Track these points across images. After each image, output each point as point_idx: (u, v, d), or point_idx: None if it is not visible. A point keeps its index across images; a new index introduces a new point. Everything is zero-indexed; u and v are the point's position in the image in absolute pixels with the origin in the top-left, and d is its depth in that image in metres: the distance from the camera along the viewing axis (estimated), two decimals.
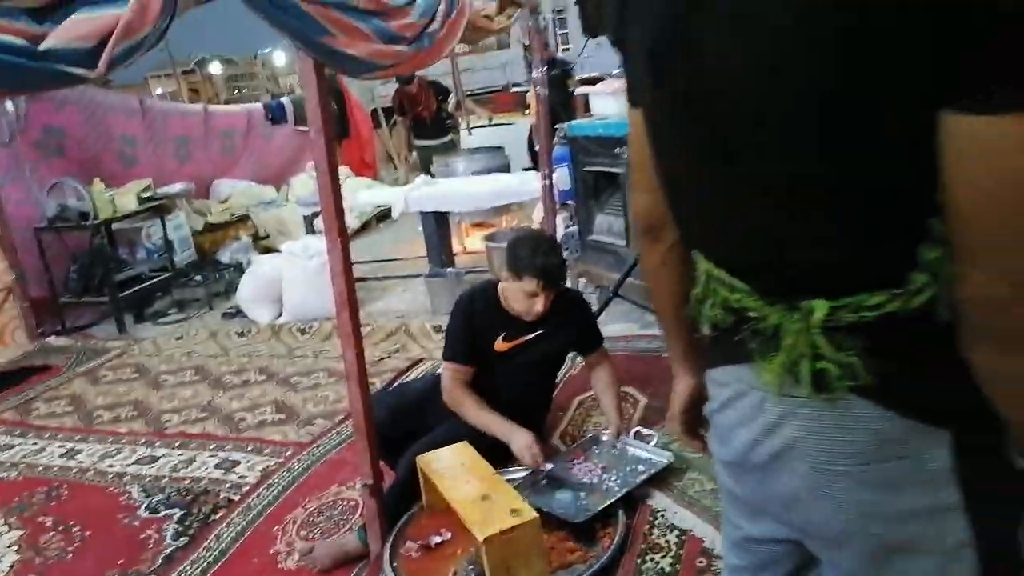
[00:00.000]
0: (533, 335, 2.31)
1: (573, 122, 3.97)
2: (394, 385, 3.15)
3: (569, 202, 4.32)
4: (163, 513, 2.54)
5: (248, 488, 2.62)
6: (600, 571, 1.83)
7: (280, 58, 10.23)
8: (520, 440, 2.13)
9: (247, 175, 6.98)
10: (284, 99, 7.72)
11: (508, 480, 1.99)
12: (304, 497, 2.51)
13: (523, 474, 2.15)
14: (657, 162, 0.84)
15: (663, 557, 1.91)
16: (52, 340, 4.70)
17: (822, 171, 0.65)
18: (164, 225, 5.18)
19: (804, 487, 0.75)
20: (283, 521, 2.39)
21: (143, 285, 4.97)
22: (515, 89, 7.50)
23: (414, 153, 7.22)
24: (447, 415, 2.28)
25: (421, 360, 3.60)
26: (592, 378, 2.48)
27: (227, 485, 2.67)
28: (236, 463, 2.83)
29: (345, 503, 2.45)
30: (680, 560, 1.90)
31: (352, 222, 6.54)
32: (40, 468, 3.01)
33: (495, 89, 9.10)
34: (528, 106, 6.67)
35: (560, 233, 4.24)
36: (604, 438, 2.37)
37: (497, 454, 2.14)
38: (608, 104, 3.61)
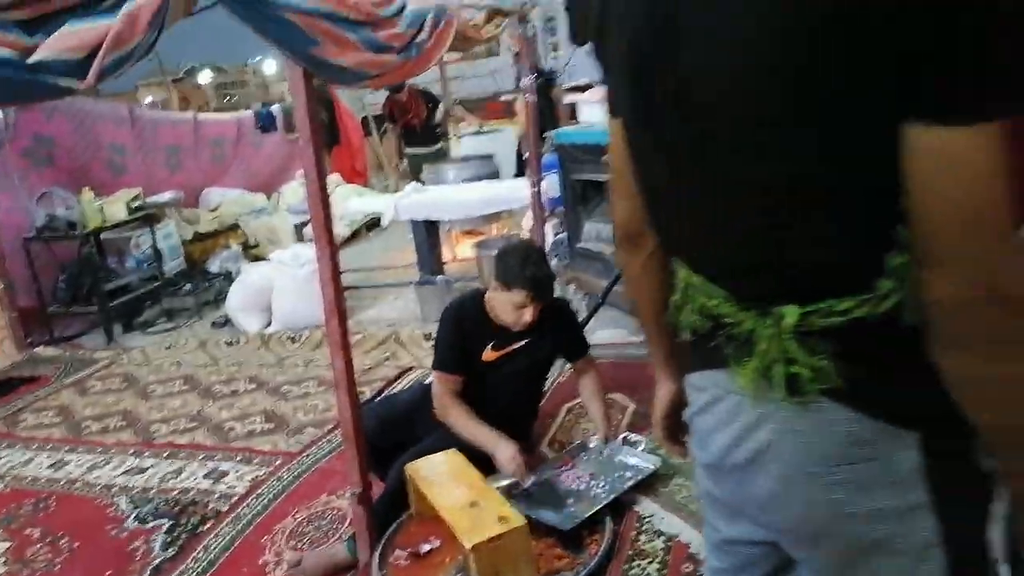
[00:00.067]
0: (521, 344, 2.32)
1: (561, 130, 4.00)
2: (383, 395, 3.15)
3: (558, 209, 4.35)
4: (151, 524, 2.53)
5: (237, 498, 2.62)
6: None
7: (271, 66, 10.25)
8: (504, 452, 2.13)
9: (237, 183, 6.98)
10: (274, 107, 7.73)
11: (497, 488, 2.00)
12: (293, 507, 2.51)
13: (511, 481, 2.15)
14: (636, 170, 0.86)
15: (650, 563, 1.92)
16: (40, 350, 4.67)
17: (792, 182, 0.67)
18: (154, 234, 5.17)
19: (779, 488, 0.77)
20: (272, 531, 2.39)
21: (132, 295, 4.96)
22: (504, 98, 7.53)
23: (404, 161, 7.24)
24: (436, 425, 2.29)
25: (411, 368, 3.61)
26: (579, 385, 2.50)
27: (216, 495, 2.66)
28: (225, 473, 2.82)
29: (334, 512, 2.45)
30: (667, 566, 1.91)
31: (342, 230, 6.55)
32: (27, 479, 2.99)
33: (485, 97, 9.14)
34: (515, 114, 6.70)
35: (550, 240, 4.27)
36: (592, 444, 2.38)
37: (487, 462, 2.15)
38: (595, 112, 3.65)
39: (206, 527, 2.46)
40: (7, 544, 2.52)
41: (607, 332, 3.47)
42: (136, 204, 5.11)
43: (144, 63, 1.67)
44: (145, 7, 1.38)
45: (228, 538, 2.38)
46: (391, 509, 2.12)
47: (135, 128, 5.98)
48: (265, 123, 7.32)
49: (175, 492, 2.72)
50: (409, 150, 7.00)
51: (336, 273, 1.94)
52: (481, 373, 2.31)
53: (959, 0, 0.55)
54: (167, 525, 2.50)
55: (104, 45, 1.29)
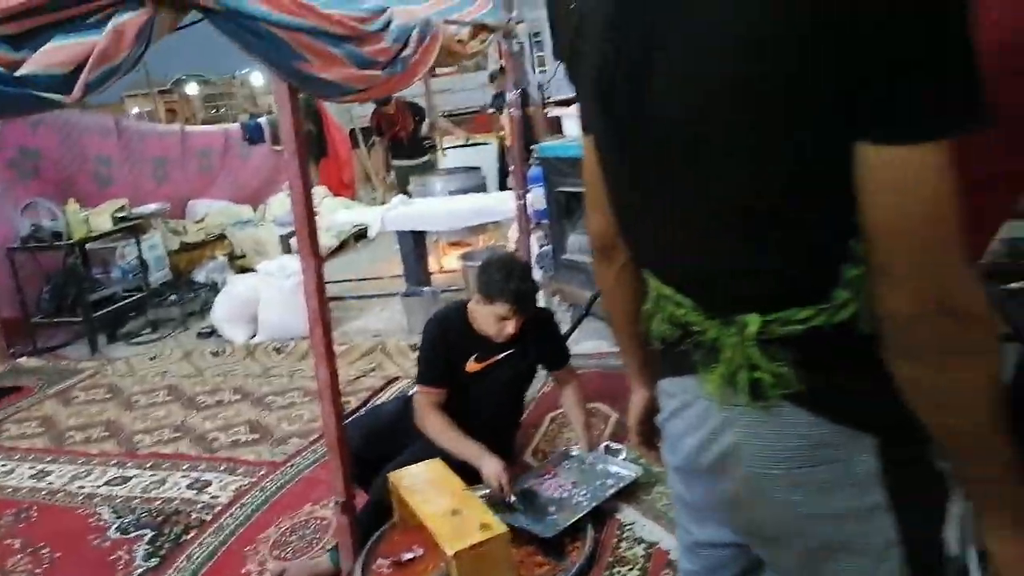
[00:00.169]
0: (504, 355, 2.34)
1: (545, 143, 4.04)
2: (368, 406, 3.16)
3: (544, 221, 4.38)
4: (133, 534, 2.52)
5: (220, 508, 2.61)
6: None
7: (258, 78, 10.28)
8: (490, 467, 2.13)
9: (225, 195, 6.98)
10: (262, 119, 7.75)
11: (480, 496, 2.01)
12: (277, 517, 2.52)
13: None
14: (607, 185, 0.89)
15: (630, 570, 1.94)
16: (23, 361, 4.65)
17: (752, 198, 0.70)
18: (139, 245, 5.16)
19: (744, 490, 0.80)
20: (255, 541, 2.39)
21: (117, 305, 4.94)
22: (490, 111, 7.58)
23: (392, 173, 7.27)
24: (420, 436, 2.30)
25: (397, 378, 3.62)
26: (561, 395, 2.52)
27: (199, 505, 2.66)
28: (208, 483, 2.82)
29: (318, 522, 2.45)
30: (647, 573, 1.93)
31: (330, 241, 6.56)
32: (9, 490, 2.98)
33: (473, 110, 9.20)
34: (501, 127, 6.76)
35: (535, 252, 4.30)
36: (574, 453, 2.40)
37: (469, 470, 2.16)
38: (578, 126, 3.68)
39: (189, 537, 2.46)
40: None
41: (591, 343, 3.50)
42: (122, 215, 5.10)
43: (131, 75, 1.69)
44: (131, 23, 1.41)
45: (211, 548, 2.38)
46: (375, 519, 2.13)
47: (122, 139, 5.98)
48: (252, 135, 7.34)
49: (158, 502, 2.72)
50: (396, 162, 7.04)
51: (321, 284, 1.96)
52: (464, 385, 2.32)
53: (908, 26, 0.58)
54: (150, 535, 2.50)
55: (90, 60, 1.32)
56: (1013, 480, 0.70)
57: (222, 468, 2.93)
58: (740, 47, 0.64)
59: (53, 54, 1.30)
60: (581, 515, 2.07)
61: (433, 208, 4.78)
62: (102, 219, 4.95)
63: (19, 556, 2.48)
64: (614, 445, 2.40)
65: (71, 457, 3.22)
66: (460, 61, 3.34)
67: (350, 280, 5.57)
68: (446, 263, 5.44)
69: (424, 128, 6.92)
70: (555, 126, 4.87)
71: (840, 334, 0.71)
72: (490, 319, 2.23)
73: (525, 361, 2.40)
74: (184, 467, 2.99)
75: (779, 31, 0.62)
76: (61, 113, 5.21)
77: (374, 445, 2.31)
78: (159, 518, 2.60)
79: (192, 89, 11.73)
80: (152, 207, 5.52)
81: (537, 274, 3.96)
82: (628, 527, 2.12)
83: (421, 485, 1.98)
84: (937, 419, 0.69)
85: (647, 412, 1.06)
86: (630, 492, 2.22)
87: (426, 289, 4.50)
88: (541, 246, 4.43)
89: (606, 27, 0.78)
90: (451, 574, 1.71)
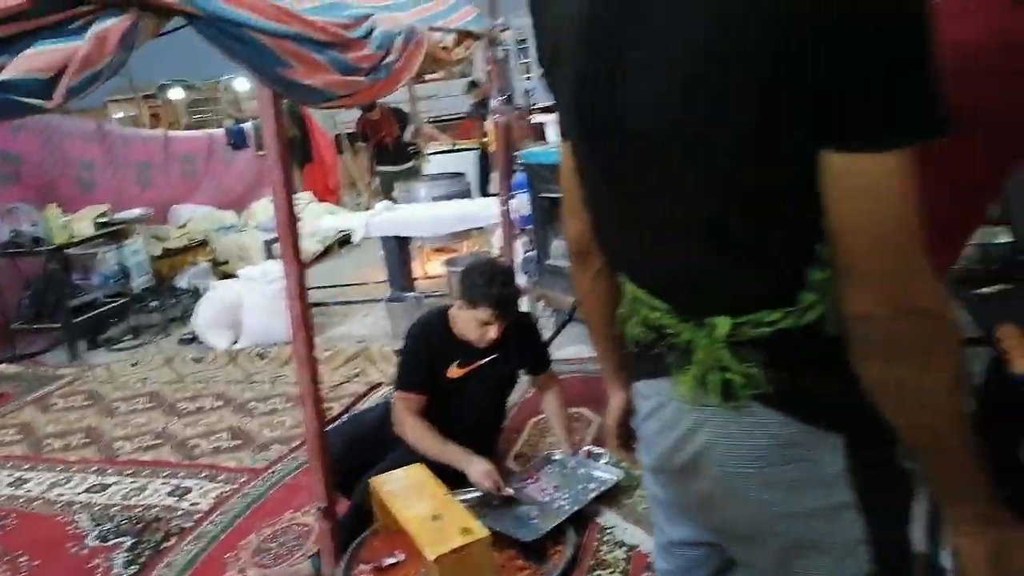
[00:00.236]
0: (486, 360, 2.34)
1: (529, 149, 4.06)
2: (350, 413, 3.15)
3: (528, 227, 4.40)
4: (112, 541, 2.51)
5: (201, 515, 2.60)
6: None
7: (242, 84, 10.23)
8: (478, 467, 2.14)
9: (208, 200, 6.95)
10: (246, 125, 7.72)
11: (461, 501, 2.02)
12: (258, 523, 2.51)
13: (476, 494, 2.17)
14: (583, 192, 0.91)
15: (611, 573, 1.96)
16: (2, 368, 4.60)
17: (720, 204, 0.72)
18: (121, 250, 5.12)
19: (716, 489, 0.81)
20: (236, 548, 2.38)
21: (97, 311, 4.90)
22: (482, 117, 7.60)
23: (377, 179, 7.27)
24: (402, 441, 2.30)
25: (380, 384, 3.62)
26: (543, 400, 2.53)
27: (179, 512, 2.64)
28: (189, 490, 2.80)
29: (300, 528, 2.45)
30: (627, 575, 1.95)
31: (314, 247, 6.54)
32: None
33: (459, 116, 9.20)
34: (486, 134, 6.79)
35: (519, 258, 4.32)
36: (556, 457, 2.42)
37: (451, 474, 2.17)
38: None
39: (169, 544, 2.45)
40: None
41: (573, 348, 3.52)
42: (103, 220, 5.07)
43: (114, 80, 1.69)
44: (114, 29, 1.41)
45: (191, 555, 2.37)
46: (357, 524, 2.12)
47: (105, 144, 5.94)
48: (236, 140, 7.31)
49: (138, 509, 2.70)
50: (381, 168, 7.04)
51: (303, 289, 1.96)
52: (447, 390, 2.32)
53: (869, 39, 0.60)
54: (129, 543, 2.48)
55: (72, 66, 1.32)
56: (978, 479, 0.73)
57: (203, 475, 2.91)
58: (706, 57, 0.66)
59: (34, 59, 1.30)
60: (563, 519, 2.08)
61: (417, 214, 4.79)
62: (83, 224, 4.91)
63: None
64: (596, 449, 2.42)
65: (50, 464, 3.19)
66: (445, 68, 3.36)
67: (334, 286, 5.56)
68: (430, 269, 5.44)
69: (408, 134, 6.93)
70: (539, 133, 4.89)
71: (807, 336, 0.73)
72: (472, 324, 2.24)
73: (507, 366, 2.40)
74: (164, 474, 2.97)
75: (744, 42, 0.63)
76: (42, 117, 5.16)
77: (357, 452, 2.30)
78: (139, 525, 2.58)
79: (177, 94, 11.64)
80: (135, 212, 5.48)
81: (521, 279, 3.98)
82: (609, 531, 2.13)
83: (402, 490, 1.98)
84: (902, 419, 0.71)
85: (624, 415, 1.08)
86: (611, 496, 2.24)
87: (410, 295, 4.51)
88: (525, 252, 4.45)
89: (581, 35, 0.79)
90: None
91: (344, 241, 6.89)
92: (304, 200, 7.33)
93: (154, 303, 5.16)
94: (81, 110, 8.13)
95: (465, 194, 5.57)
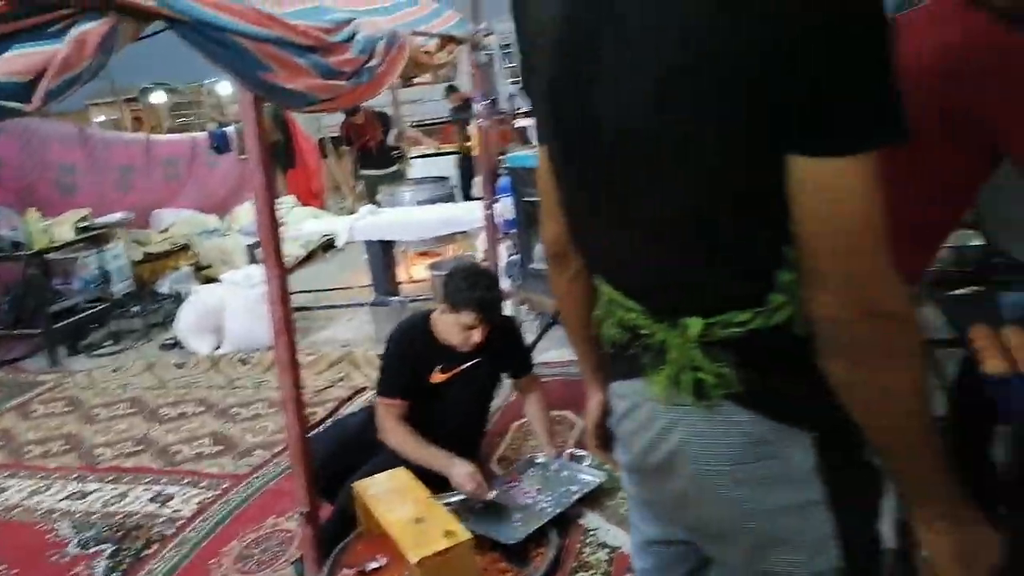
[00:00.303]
0: (469, 364, 2.34)
1: (513, 154, 4.08)
2: (334, 418, 3.14)
3: (512, 231, 4.41)
4: (93, 549, 2.48)
5: (183, 522, 2.59)
6: None
7: (225, 87, 10.15)
8: (461, 470, 2.13)
9: (191, 204, 6.91)
10: (229, 128, 7.68)
11: (444, 504, 2.02)
12: (241, 529, 2.49)
13: (459, 498, 2.18)
14: (559, 194, 0.92)
15: (593, 575, 1.97)
16: None
17: (690, 208, 0.73)
18: (102, 255, 5.08)
19: (690, 487, 0.83)
20: (219, 555, 2.37)
21: (78, 317, 4.86)
22: (461, 121, 7.61)
23: (361, 183, 7.26)
24: (385, 445, 2.29)
25: (364, 389, 3.61)
26: (525, 403, 2.54)
27: (161, 519, 2.62)
28: (171, 497, 2.78)
29: (282, 534, 2.44)
30: None
31: (298, 251, 6.51)
32: None
33: (443, 120, 9.21)
34: (469, 138, 6.81)
35: (503, 261, 4.33)
36: (539, 460, 2.42)
37: (434, 477, 2.17)
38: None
39: (150, 551, 2.43)
40: None
41: (557, 351, 3.53)
42: (84, 224, 5.03)
43: (96, 83, 1.68)
44: (93, 32, 1.41)
45: (173, 562, 2.35)
46: (340, 529, 2.12)
47: (86, 148, 5.89)
48: (219, 144, 7.27)
49: (119, 516, 2.68)
50: (365, 172, 7.03)
51: (285, 293, 1.96)
52: (429, 395, 2.32)
53: (832, 48, 0.62)
54: (110, 550, 2.46)
55: (51, 69, 1.31)
56: (945, 478, 0.74)
57: (185, 481, 2.89)
58: (674, 65, 0.67)
59: (13, 62, 1.29)
60: (545, 521, 2.08)
61: (401, 218, 4.78)
62: (64, 229, 4.87)
63: None
64: (578, 452, 2.43)
65: (30, 472, 3.15)
66: (427, 72, 3.37)
67: (318, 290, 5.54)
68: (415, 273, 5.43)
69: (391, 138, 6.93)
70: (523, 137, 4.91)
71: (777, 336, 0.74)
72: (455, 328, 2.24)
73: (490, 370, 2.41)
74: (146, 480, 2.95)
75: (711, 50, 0.65)
76: (21, 120, 5.11)
77: (340, 457, 2.30)
78: (120, 533, 2.56)
79: (159, 98, 11.53)
80: (116, 216, 5.43)
81: (505, 283, 3.99)
82: (592, 532, 2.14)
83: (385, 494, 1.98)
84: (868, 418, 0.73)
85: (601, 415, 1.09)
86: (594, 498, 2.25)
87: (394, 299, 4.50)
88: (509, 255, 4.46)
89: (556, 41, 0.81)
90: None
91: (328, 245, 6.87)
92: (288, 204, 7.30)
93: (135, 308, 5.12)
94: (61, 113, 8.05)
95: (449, 198, 5.58)
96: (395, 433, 2.25)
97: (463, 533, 1.77)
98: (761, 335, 0.75)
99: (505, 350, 2.42)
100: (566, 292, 1.04)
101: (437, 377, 2.32)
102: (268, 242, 1.93)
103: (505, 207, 4.27)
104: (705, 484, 0.81)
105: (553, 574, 1.95)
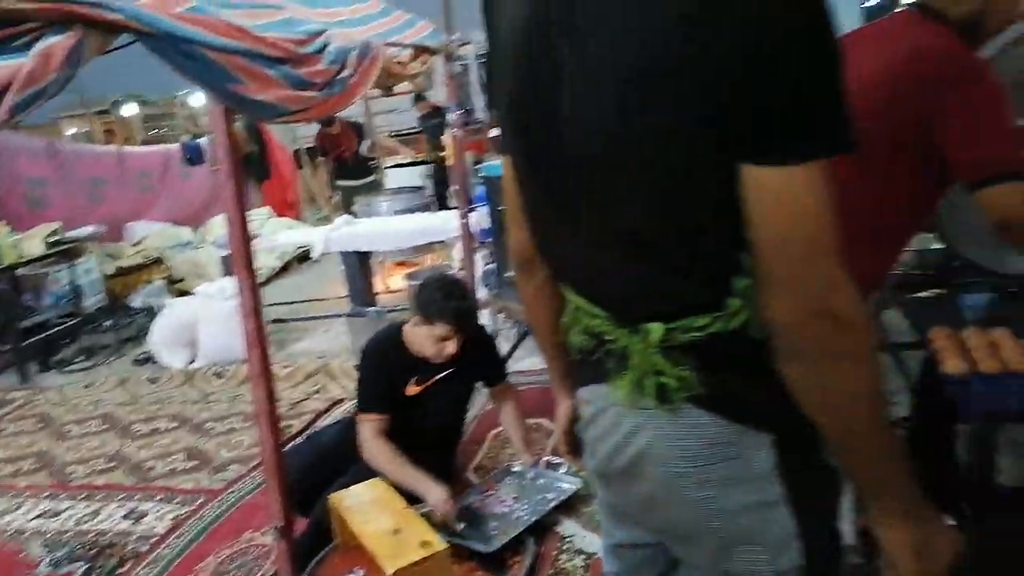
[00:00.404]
0: (444, 375, 2.34)
1: (487, 163, 4.10)
2: (310, 431, 3.11)
3: (489, 240, 4.43)
4: (66, 569, 2.44)
5: (157, 538, 2.55)
6: None
7: (199, 99, 10.08)
8: (436, 496, 2.11)
9: (165, 216, 6.85)
10: (202, 140, 7.63)
11: (421, 514, 2.02)
12: (216, 545, 2.47)
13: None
14: (524, 204, 0.94)
15: None
16: None
17: (648, 217, 0.75)
18: (73, 270, 5.01)
19: (656, 489, 0.84)
20: (194, 571, 2.34)
21: (49, 332, 4.79)
22: (428, 130, 7.60)
23: (338, 193, 7.23)
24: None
25: (341, 400, 3.59)
26: (500, 411, 2.54)
27: (135, 536, 2.59)
28: (145, 513, 2.75)
29: (258, 549, 2.41)
30: None
31: (273, 263, 6.47)
32: None
33: (417, 129, 9.21)
34: (443, 148, 6.82)
35: (480, 270, 4.34)
36: (515, 469, 2.43)
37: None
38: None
39: (124, 570, 2.39)
40: None
41: (533, 360, 3.54)
42: (55, 239, 4.96)
43: (66, 95, 1.67)
44: (59, 46, 1.40)
45: None
46: (316, 542, 2.10)
47: (56, 161, 5.83)
48: (192, 156, 7.22)
49: (91, 535, 2.64)
50: (341, 183, 7.01)
51: (257, 305, 1.95)
52: (405, 408, 2.30)
53: (783, 62, 0.64)
54: (82, 569, 2.42)
55: (15, 83, 1.30)
56: (899, 475, 0.76)
57: (159, 497, 2.86)
58: (629, 78, 0.69)
59: None
60: (522, 530, 2.09)
61: (377, 228, 4.77)
62: (34, 243, 4.80)
63: None
64: (554, 459, 2.43)
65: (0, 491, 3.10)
66: (401, 82, 3.38)
67: (294, 302, 5.51)
68: (392, 283, 5.42)
69: (364, 148, 6.92)
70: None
71: (736, 340, 0.76)
72: (430, 340, 2.23)
73: (465, 380, 2.41)
74: (119, 497, 2.90)
75: (664, 64, 0.66)
76: None
77: (317, 470, 2.29)
78: (93, 551, 2.52)
79: (131, 110, 11.41)
80: (87, 230, 5.37)
81: (482, 292, 4.00)
82: (568, 539, 2.15)
83: (361, 505, 1.97)
84: (823, 419, 0.75)
85: (571, 421, 1.10)
86: (570, 505, 2.26)
87: (371, 309, 4.49)
88: (486, 264, 4.47)
89: (519, 53, 0.82)
90: None
91: (304, 256, 6.84)
92: (263, 215, 7.25)
93: (108, 323, 5.06)
94: (32, 127, 7.95)
95: (426, 208, 5.58)
96: (375, 451, 2.22)
97: (439, 543, 1.77)
98: (720, 339, 0.76)
99: (479, 359, 2.42)
100: (533, 300, 1.05)
101: (412, 389, 2.31)
102: (240, 254, 1.92)
103: (481, 216, 4.29)
104: (670, 486, 0.83)
105: None
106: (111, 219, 6.11)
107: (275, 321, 4.88)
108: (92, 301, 5.17)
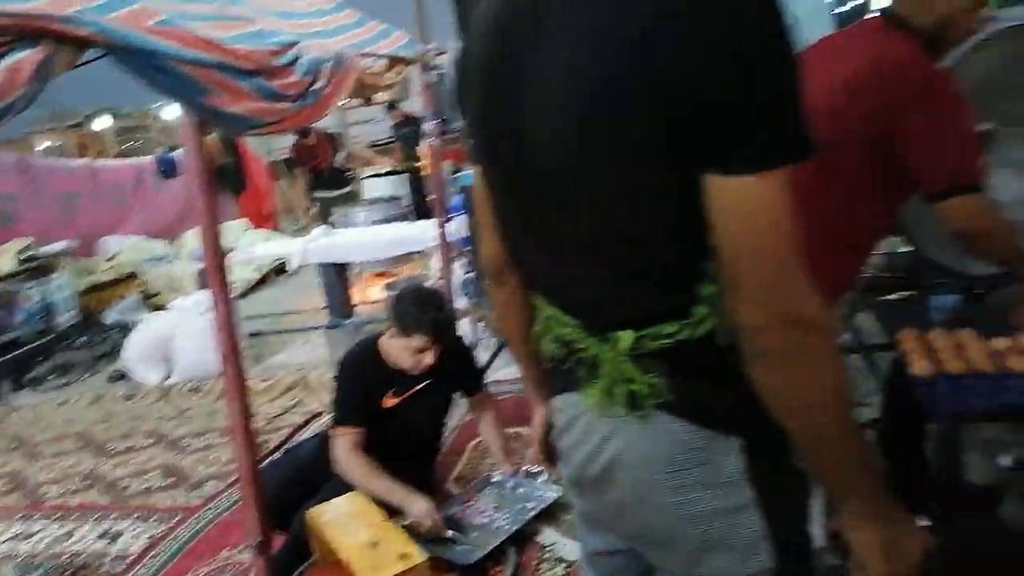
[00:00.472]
0: (422, 386, 2.32)
1: (466, 172, 4.10)
2: (288, 445, 3.08)
3: (467, 248, 4.43)
4: None
5: (133, 558, 2.51)
6: None
7: (174, 111, 10.00)
8: (419, 507, 2.10)
9: (139, 230, 6.78)
10: (177, 152, 7.57)
11: (402, 526, 2.01)
12: (193, 563, 2.43)
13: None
14: (494, 214, 0.94)
15: None
16: None
17: (614, 228, 0.76)
18: (45, 286, 4.94)
19: (628, 496, 0.85)
20: None
21: (21, 350, 4.71)
22: (401, 139, 7.58)
23: (316, 204, 7.20)
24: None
25: (320, 414, 3.56)
26: (479, 420, 2.54)
27: (110, 557, 2.55)
28: (120, 533, 2.70)
29: (236, 567, 2.38)
30: None
31: (250, 275, 6.42)
32: None
33: (391, 139, 9.21)
34: (418, 157, 6.82)
35: (459, 280, 4.33)
36: (495, 479, 2.42)
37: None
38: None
39: None
40: None
41: (512, 368, 3.54)
42: (27, 255, 4.89)
43: (37, 110, 1.65)
44: (27, 61, 1.39)
45: None
46: (295, 558, 2.09)
47: (27, 176, 5.75)
48: (166, 168, 7.15)
49: (65, 556, 2.59)
50: (318, 194, 6.98)
51: (231, 318, 1.93)
52: (383, 419, 2.29)
53: (743, 76, 0.65)
54: None
55: None
56: (866, 476, 0.77)
57: (135, 516, 2.81)
58: (592, 91, 0.70)
59: None
60: (502, 539, 2.08)
61: (354, 239, 4.75)
62: (5, 260, 4.73)
63: None
64: (533, 468, 2.43)
65: None
66: (376, 92, 3.38)
67: (272, 315, 5.46)
68: (371, 294, 5.40)
69: (340, 159, 6.91)
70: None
71: (703, 346, 0.77)
72: (407, 352, 2.22)
73: (442, 390, 2.40)
74: (94, 517, 2.86)
75: (625, 78, 0.68)
76: None
77: (297, 484, 2.26)
78: (67, 573, 2.48)
79: (104, 122, 11.29)
80: (60, 245, 5.30)
81: (461, 301, 4.00)
82: (549, 548, 2.15)
83: (340, 519, 1.96)
84: (790, 421, 0.76)
85: (546, 429, 1.11)
86: (550, 513, 2.25)
87: (349, 321, 4.47)
88: (465, 273, 4.47)
89: (486, 66, 0.83)
90: None
91: (281, 269, 6.79)
92: (240, 228, 7.20)
93: (81, 340, 4.99)
94: (3, 141, 7.85)
95: (405, 217, 5.58)
96: (350, 466, 2.20)
97: (419, 555, 1.76)
98: (688, 346, 0.77)
99: (457, 370, 2.41)
100: (505, 309, 1.05)
101: (390, 401, 2.30)
102: (213, 267, 1.90)
103: (460, 225, 4.29)
104: (642, 492, 0.83)
105: None
106: (85, 234, 6.04)
107: (253, 335, 4.83)
108: (65, 317, 5.09)
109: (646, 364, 0.79)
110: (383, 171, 7.09)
